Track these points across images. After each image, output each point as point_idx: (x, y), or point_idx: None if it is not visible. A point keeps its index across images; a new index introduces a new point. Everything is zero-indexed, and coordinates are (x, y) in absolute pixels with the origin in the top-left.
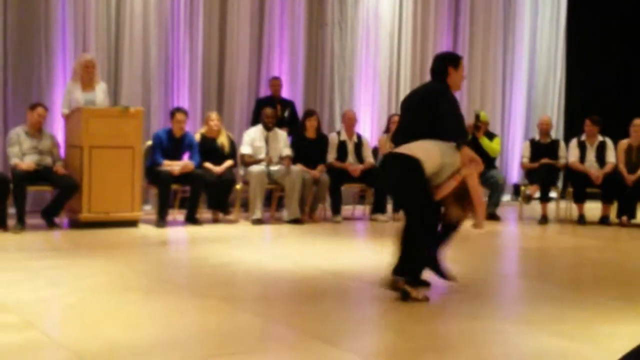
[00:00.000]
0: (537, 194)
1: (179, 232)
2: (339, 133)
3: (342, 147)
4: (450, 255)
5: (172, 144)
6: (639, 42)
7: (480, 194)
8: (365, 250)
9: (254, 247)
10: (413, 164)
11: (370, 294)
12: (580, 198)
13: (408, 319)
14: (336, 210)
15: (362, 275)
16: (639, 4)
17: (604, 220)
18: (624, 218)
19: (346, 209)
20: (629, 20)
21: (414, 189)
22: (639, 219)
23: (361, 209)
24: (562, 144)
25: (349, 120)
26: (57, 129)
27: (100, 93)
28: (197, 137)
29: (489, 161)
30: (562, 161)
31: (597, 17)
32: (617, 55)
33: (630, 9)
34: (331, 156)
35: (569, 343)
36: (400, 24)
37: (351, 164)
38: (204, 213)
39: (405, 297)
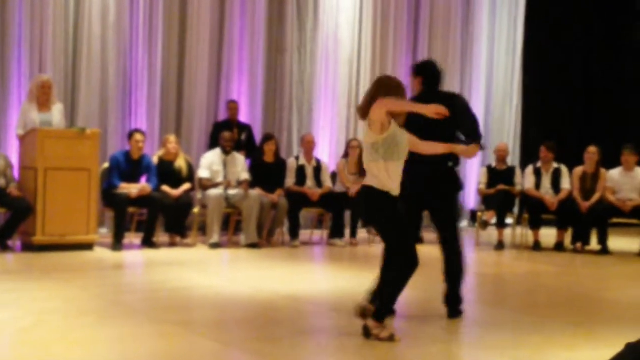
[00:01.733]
0: (494, 220)
1: (135, 256)
2: (297, 157)
3: (300, 171)
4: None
5: (129, 166)
6: (596, 69)
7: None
8: (323, 275)
9: (211, 272)
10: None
11: (328, 319)
12: (535, 224)
13: (366, 344)
14: (294, 234)
15: (319, 300)
16: (596, 29)
17: (559, 247)
18: (579, 244)
19: (304, 234)
20: (586, 46)
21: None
22: (593, 245)
23: (319, 234)
24: (518, 170)
25: (308, 145)
26: (12, 150)
27: (56, 114)
28: (154, 159)
29: None
30: (518, 188)
31: (554, 43)
32: (574, 82)
33: (588, 34)
34: (290, 180)
35: None
36: (360, 48)
37: (310, 188)
38: (161, 236)
39: (366, 334)
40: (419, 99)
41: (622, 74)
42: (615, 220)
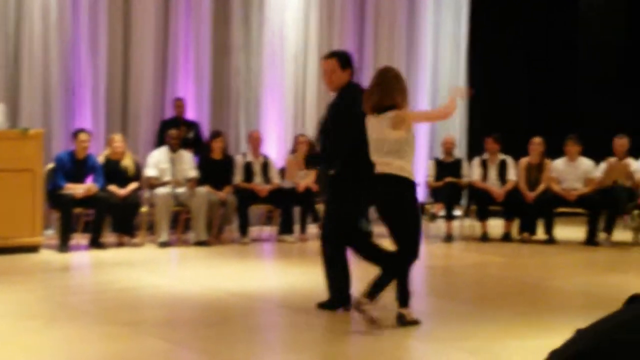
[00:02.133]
0: (442, 213)
1: (82, 257)
2: (244, 154)
3: (248, 168)
4: (357, 274)
5: (74, 166)
6: (541, 60)
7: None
8: (273, 272)
9: (160, 271)
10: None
11: (278, 315)
12: (483, 216)
13: (317, 339)
14: (243, 231)
15: (269, 296)
16: (540, 22)
17: (506, 237)
18: (525, 234)
19: (254, 230)
20: (531, 37)
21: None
22: (539, 235)
23: (269, 230)
24: (465, 162)
25: (255, 141)
26: None
27: None
28: (100, 159)
29: None
30: (465, 180)
31: (499, 35)
32: (519, 75)
33: (531, 27)
34: (238, 177)
35: (476, 359)
36: (306, 45)
37: (258, 184)
38: (109, 237)
39: (402, 321)
40: (348, 89)
41: (567, 66)
42: (560, 209)
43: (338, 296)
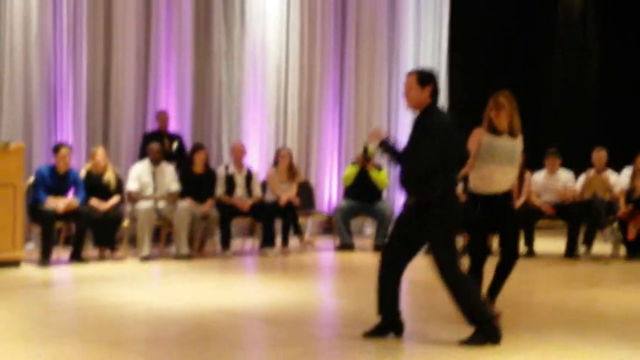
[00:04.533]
0: None
1: (64, 272)
2: (227, 167)
3: (230, 180)
4: (338, 288)
5: (55, 180)
6: (520, 70)
7: None
8: (255, 287)
9: (142, 286)
10: None
11: (259, 330)
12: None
13: (300, 355)
14: (226, 244)
15: (252, 312)
16: (518, 30)
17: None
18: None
19: (236, 243)
20: (509, 45)
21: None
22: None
23: (251, 242)
24: None
25: (238, 153)
26: None
27: None
28: (82, 173)
29: (377, 193)
30: None
31: (479, 43)
32: (498, 82)
33: (510, 34)
34: (219, 190)
35: None
36: (287, 54)
37: (240, 198)
38: (91, 251)
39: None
40: (427, 112)
41: (545, 75)
42: (540, 222)
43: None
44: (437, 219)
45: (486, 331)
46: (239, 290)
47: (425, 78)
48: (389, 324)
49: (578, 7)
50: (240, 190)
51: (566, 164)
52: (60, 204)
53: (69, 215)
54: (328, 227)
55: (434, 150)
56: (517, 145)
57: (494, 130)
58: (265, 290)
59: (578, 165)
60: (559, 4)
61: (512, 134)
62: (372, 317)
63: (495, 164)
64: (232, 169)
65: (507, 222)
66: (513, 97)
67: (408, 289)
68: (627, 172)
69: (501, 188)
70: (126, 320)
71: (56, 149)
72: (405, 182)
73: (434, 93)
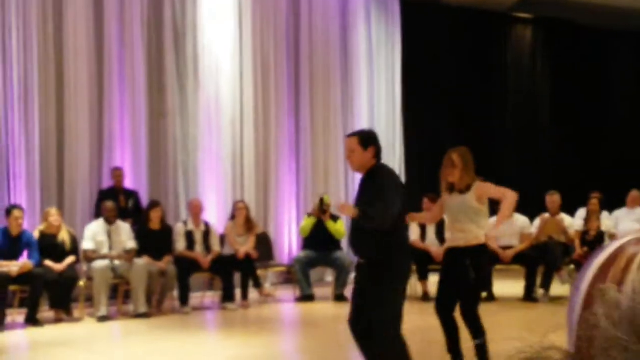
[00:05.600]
0: None
1: (18, 337)
2: (185, 222)
3: (189, 236)
4: (299, 343)
5: (8, 243)
6: (475, 115)
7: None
8: (214, 344)
9: (101, 350)
10: None
11: None
12: (423, 275)
13: None
14: (184, 301)
15: None
16: (472, 76)
17: None
18: None
19: (195, 297)
20: (461, 89)
21: None
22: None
23: (211, 296)
24: None
25: (195, 209)
26: None
27: None
28: (36, 234)
29: (334, 243)
30: None
31: (432, 92)
32: (454, 131)
33: (464, 81)
34: (180, 245)
35: None
36: (242, 109)
37: (199, 253)
38: (46, 312)
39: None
40: (375, 172)
41: (497, 120)
42: (498, 266)
43: None
44: (377, 279)
45: None
46: (200, 349)
47: (367, 139)
48: None
49: (528, 53)
50: (199, 247)
51: (520, 209)
52: (13, 268)
53: (23, 277)
54: (289, 277)
55: (394, 211)
56: (467, 200)
57: (450, 188)
58: (227, 348)
59: (533, 209)
60: (508, 48)
61: (461, 191)
62: None
63: (449, 221)
64: (190, 225)
65: (458, 276)
66: (467, 152)
67: None
68: (580, 214)
69: (455, 243)
70: None
71: (8, 211)
72: (356, 243)
73: (377, 153)
